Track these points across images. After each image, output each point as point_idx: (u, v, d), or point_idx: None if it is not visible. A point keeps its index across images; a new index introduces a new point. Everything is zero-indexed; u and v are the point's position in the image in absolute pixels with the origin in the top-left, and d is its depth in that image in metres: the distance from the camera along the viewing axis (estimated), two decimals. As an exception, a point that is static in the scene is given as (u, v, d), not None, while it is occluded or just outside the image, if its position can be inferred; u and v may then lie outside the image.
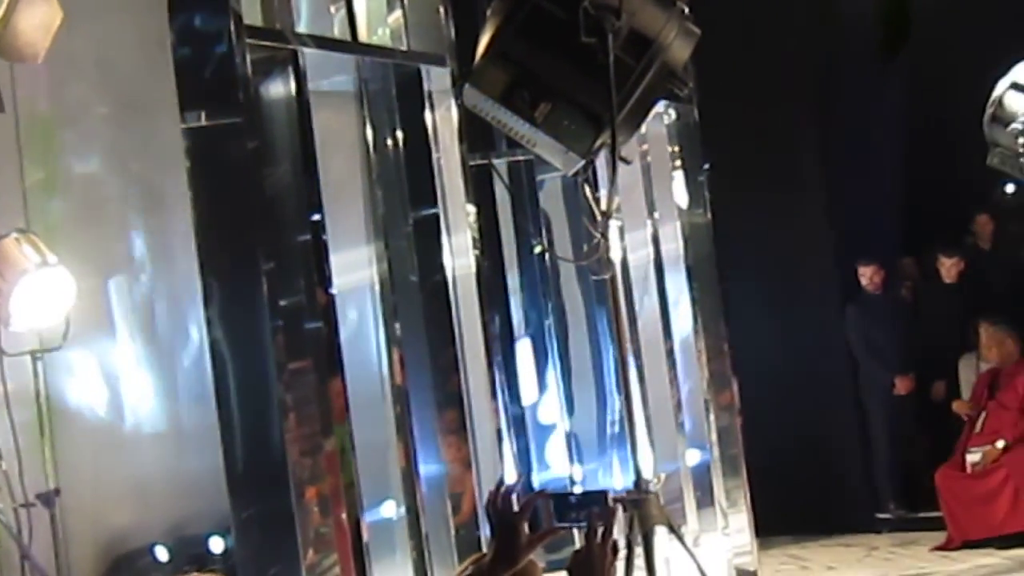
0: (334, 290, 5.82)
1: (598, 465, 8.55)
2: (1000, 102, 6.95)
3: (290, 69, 5.70)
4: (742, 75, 9.41)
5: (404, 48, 6.53)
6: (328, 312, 5.72)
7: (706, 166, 8.36)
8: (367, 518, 5.96)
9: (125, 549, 6.02)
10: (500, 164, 7.99)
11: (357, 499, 5.78)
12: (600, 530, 2.48)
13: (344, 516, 5.70)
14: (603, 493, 2.54)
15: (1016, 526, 8.80)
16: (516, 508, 2.47)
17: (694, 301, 8.27)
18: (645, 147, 8.21)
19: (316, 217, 5.69)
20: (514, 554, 2.45)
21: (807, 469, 9.63)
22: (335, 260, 5.94)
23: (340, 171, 6.36)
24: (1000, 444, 8.99)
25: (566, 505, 2.53)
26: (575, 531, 2.56)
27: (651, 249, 8.30)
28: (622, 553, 5.13)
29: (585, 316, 8.76)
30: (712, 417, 8.26)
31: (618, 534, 2.52)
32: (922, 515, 9.58)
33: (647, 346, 8.21)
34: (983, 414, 9.26)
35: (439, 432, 6.60)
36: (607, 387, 8.48)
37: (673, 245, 8.35)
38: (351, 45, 6.34)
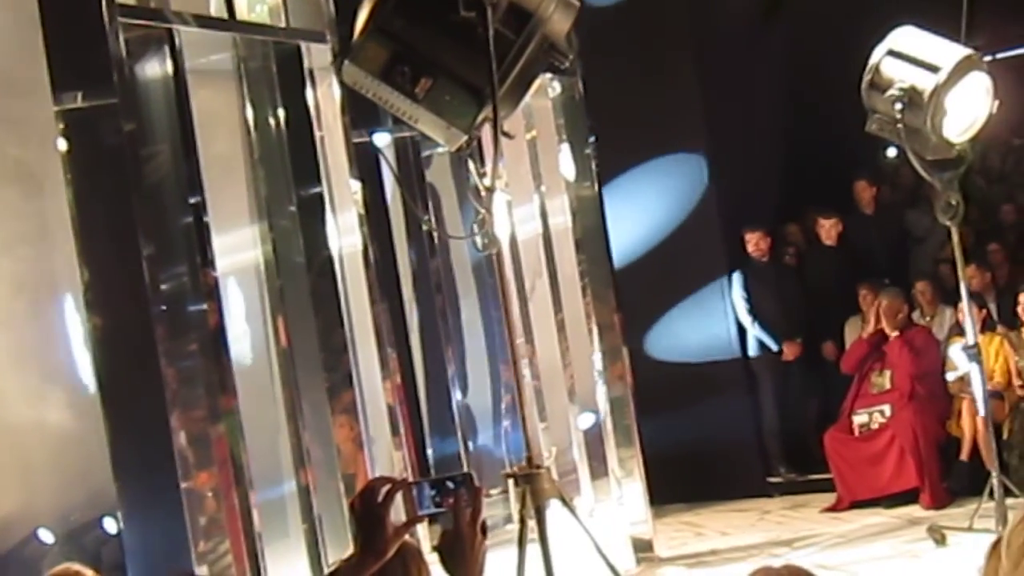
0: (217, 272, 5.74)
1: (492, 439, 8.57)
2: (877, 69, 7.04)
3: (166, 48, 5.60)
4: (622, 46, 9.44)
5: (283, 25, 6.44)
6: (212, 294, 5.64)
7: (592, 138, 8.36)
8: (258, 501, 5.90)
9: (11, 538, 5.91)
10: (386, 140, 7.93)
11: (247, 482, 5.72)
12: (468, 511, 2.48)
13: (235, 500, 5.64)
14: (468, 475, 2.54)
15: (902, 485, 8.99)
16: (379, 500, 2.45)
17: (583, 273, 8.29)
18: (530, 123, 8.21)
19: (196, 199, 5.60)
20: (381, 546, 2.43)
21: (699, 436, 9.74)
22: (218, 242, 5.86)
23: (221, 151, 6.26)
24: (887, 410, 9.17)
25: (431, 491, 2.52)
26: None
27: (539, 223, 8.30)
28: (515, 533, 5.14)
29: (476, 290, 8.75)
30: (604, 388, 8.30)
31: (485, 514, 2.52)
32: (812, 477, 9.75)
33: (538, 319, 8.22)
34: (870, 377, 9.43)
35: (330, 413, 6.55)
36: (499, 361, 8.49)
37: (561, 218, 8.35)
38: (229, 23, 6.24)
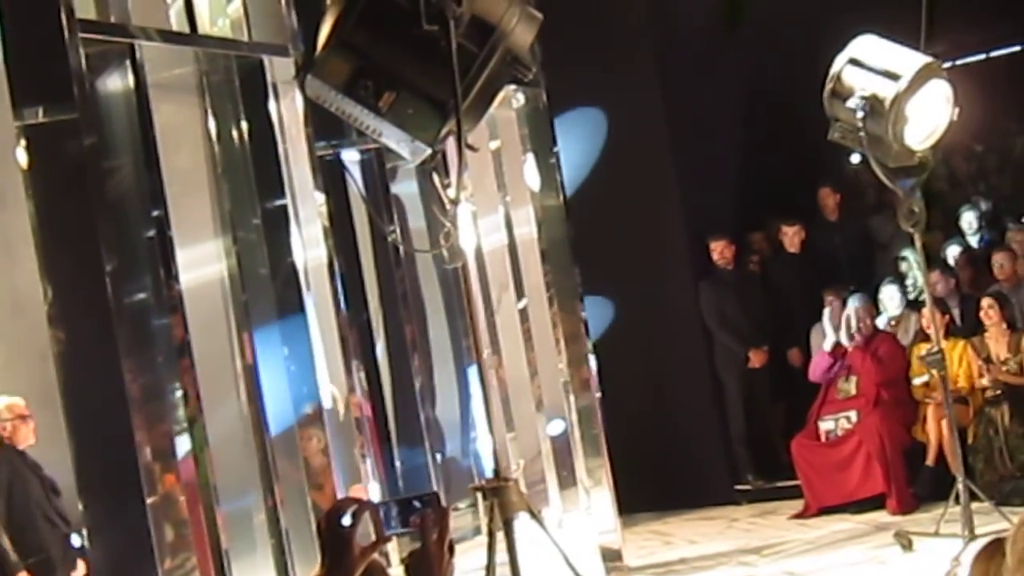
0: (181, 286, 5.71)
1: (460, 451, 8.56)
2: (839, 77, 7.08)
3: (128, 63, 5.58)
4: (586, 57, 9.46)
5: (245, 39, 6.42)
6: (176, 308, 5.62)
7: (556, 149, 8.37)
8: (225, 516, 5.87)
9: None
10: (351, 153, 7.92)
11: (213, 498, 5.69)
12: (435, 531, 2.48)
13: (201, 515, 5.61)
14: (434, 495, 2.54)
15: (869, 491, 9.03)
16: (346, 521, 2.44)
17: (549, 284, 8.29)
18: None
19: (159, 212, 5.58)
20: (347, 567, 2.43)
21: (667, 445, 9.76)
22: (182, 256, 5.84)
23: (184, 165, 6.24)
24: (853, 416, 9.21)
25: (398, 511, 2.51)
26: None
27: (505, 233, 8.30)
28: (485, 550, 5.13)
29: (443, 302, 8.74)
30: (572, 398, 8.31)
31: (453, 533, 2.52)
32: (780, 484, 9.78)
33: (504, 330, 8.22)
34: (836, 383, 9.47)
35: (297, 426, 6.53)
36: (467, 373, 8.48)
37: (527, 228, 8.35)
38: (191, 37, 6.22)
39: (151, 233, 5.59)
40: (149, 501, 5.29)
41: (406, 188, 8.42)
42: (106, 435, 5.33)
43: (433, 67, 4.58)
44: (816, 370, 9.54)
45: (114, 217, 5.43)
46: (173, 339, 5.60)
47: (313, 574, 2.46)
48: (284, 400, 6.50)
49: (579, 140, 9.68)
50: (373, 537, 2.50)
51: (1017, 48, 14.06)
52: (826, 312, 9.44)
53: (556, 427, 8.27)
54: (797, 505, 9.32)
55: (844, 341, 9.30)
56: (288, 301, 6.53)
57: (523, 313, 8.27)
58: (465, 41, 4.60)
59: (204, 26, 6.29)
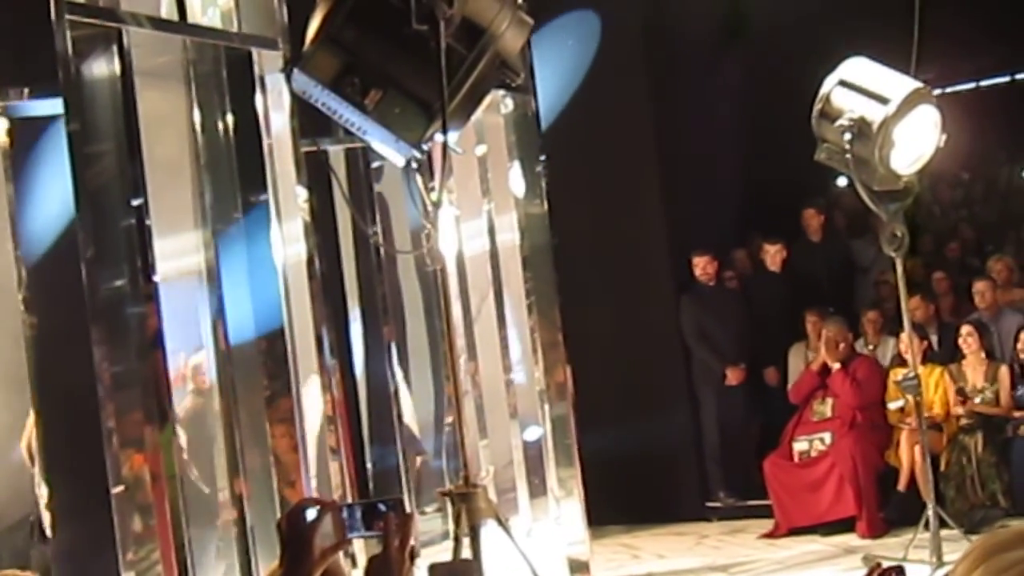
0: (158, 277, 5.67)
1: (433, 454, 8.52)
2: (828, 99, 7.09)
3: (114, 48, 5.53)
4: (578, 68, 9.46)
5: (235, 30, 6.38)
6: (151, 298, 5.57)
7: (543, 157, 8.36)
8: (191, 509, 5.83)
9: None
10: (336, 150, 7.88)
11: (180, 490, 5.65)
12: (397, 536, 2.45)
13: (167, 508, 5.56)
14: (399, 500, 2.51)
15: (840, 513, 9.02)
16: (307, 521, 2.41)
17: (529, 291, 8.27)
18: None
19: (139, 201, 5.53)
20: (306, 569, 2.40)
21: (639, 458, 9.74)
22: (160, 246, 5.79)
23: (167, 155, 6.19)
24: (827, 438, 9.20)
25: (361, 514, 2.49)
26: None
27: (487, 239, 8.28)
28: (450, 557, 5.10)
29: (423, 304, 8.71)
30: (546, 407, 8.28)
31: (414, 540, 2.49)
32: (751, 503, 9.76)
33: (482, 336, 8.19)
34: (811, 405, 9.46)
35: (268, 422, 6.48)
36: (442, 376, 8.44)
37: (509, 235, 8.33)
38: (180, 25, 6.17)
39: (130, 222, 5.54)
40: (115, 491, 5.24)
41: (391, 188, 8.38)
42: (75, 422, 5.29)
43: (421, 67, 4.57)
44: (798, 390, 9.51)
45: (93, 204, 5.38)
46: (147, 329, 5.55)
47: (270, 570, 2.43)
48: (257, 396, 6.45)
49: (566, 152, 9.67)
50: (335, 539, 2.47)
51: (1007, 79, 14.13)
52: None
53: (531, 433, 8.25)
54: (767, 524, 9.31)
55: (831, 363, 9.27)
56: (266, 296, 6.49)
57: (501, 319, 8.24)
58: (454, 42, 4.59)
59: (194, 15, 6.25)
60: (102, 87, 5.53)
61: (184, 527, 5.61)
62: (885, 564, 2.39)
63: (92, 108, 5.48)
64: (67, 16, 5.15)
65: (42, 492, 5.61)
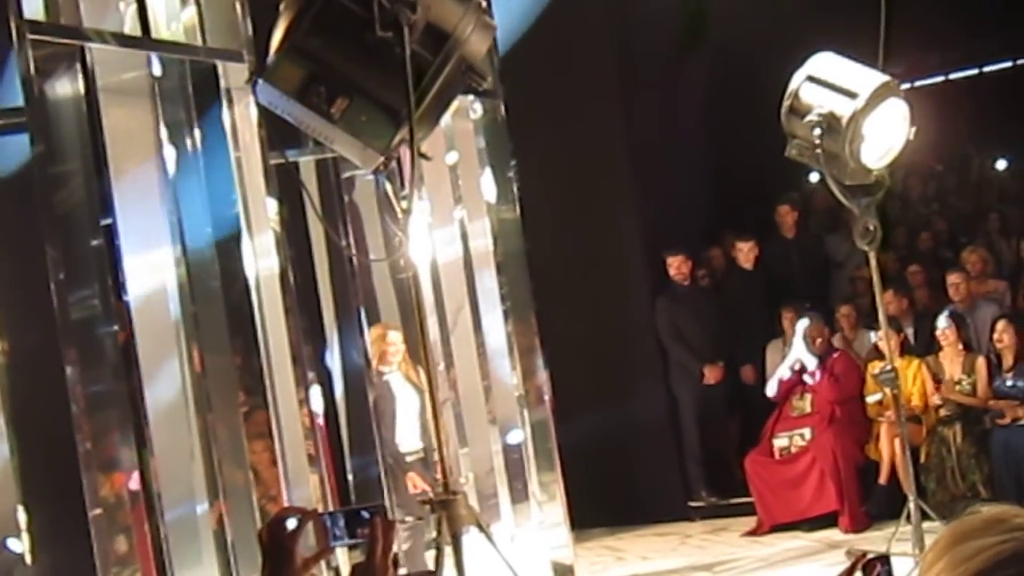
0: (130, 296, 5.62)
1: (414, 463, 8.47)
2: (796, 94, 7.08)
3: (78, 66, 5.48)
4: (546, 69, 9.44)
5: (199, 44, 6.33)
6: (123, 318, 5.52)
7: (513, 161, 8.33)
8: (171, 527, 5.78)
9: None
10: (307, 161, 7.84)
11: (159, 508, 5.60)
12: (380, 544, 2.43)
13: (146, 527, 5.52)
14: (381, 507, 2.49)
15: (822, 508, 9.03)
16: (288, 531, 2.39)
17: (504, 297, 8.25)
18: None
19: (108, 220, 5.48)
20: None
21: (620, 460, 9.73)
22: (131, 264, 5.75)
23: (134, 172, 6.14)
24: (807, 433, 9.21)
25: (344, 522, 2.46)
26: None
27: (460, 246, 8.25)
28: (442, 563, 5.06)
29: (399, 313, 8.66)
30: (525, 411, 8.26)
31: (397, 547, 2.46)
32: (733, 501, 9.76)
33: (458, 343, 8.16)
34: (790, 400, 9.46)
35: (247, 437, 6.44)
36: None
37: (482, 241, 8.31)
38: (144, 41, 6.12)
39: (99, 241, 5.49)
40: (93, 513, 5.20)
41: (363, 197, 8.35)
42: (50, 446, 5.25)
43: (387, 74, 4.53)
44: (778, 388, 9.51)
45: (61, 224, 5.34)
46: (120, 349, 5.51)
47: None
48: (234, 411, 6.41)
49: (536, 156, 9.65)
50: (317, 548, 2.45)
51: (975, 71, 14.19)
52: (799, 328, 9.36)
53: (512, 438, 8.22)
54: (750, 522, 9.31)
55: (809, 360, 9.26)
56: (239, 311, 6.44)
57: (478, 325, 8.22)
58: (419, 48, 4.56)
59: (157, 30, 6.20)
60: (67, 106, 5.48)
61: (165, 547, 5.57)
62: (870, 555, 2.39)
63: (57, 127, 5.43)
64: (29, 35, 5.10)
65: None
